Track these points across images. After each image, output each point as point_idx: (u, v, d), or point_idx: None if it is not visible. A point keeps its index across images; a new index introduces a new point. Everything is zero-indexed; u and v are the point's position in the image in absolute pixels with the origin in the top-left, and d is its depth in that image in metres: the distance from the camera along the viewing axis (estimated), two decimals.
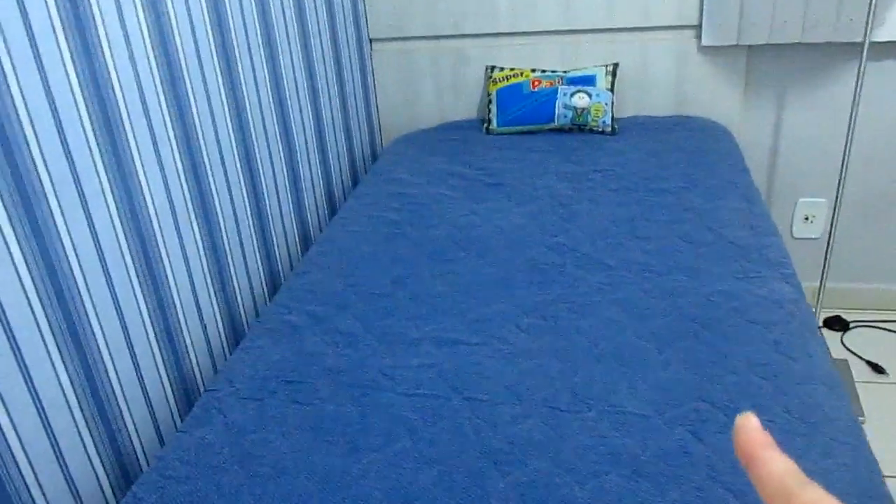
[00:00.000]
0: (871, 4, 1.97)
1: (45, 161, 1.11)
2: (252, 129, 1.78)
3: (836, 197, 2.21)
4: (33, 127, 1.09)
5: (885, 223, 2.55)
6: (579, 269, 1.65)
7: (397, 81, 2.64)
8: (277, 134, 1.92)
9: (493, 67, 2.50)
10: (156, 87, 1.38)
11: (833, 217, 2.24)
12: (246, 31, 1.74)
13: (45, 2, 1.10)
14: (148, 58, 1.36)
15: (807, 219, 2.63)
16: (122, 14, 1.28)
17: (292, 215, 2.02)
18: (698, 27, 2.39)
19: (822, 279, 2.33)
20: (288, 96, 1.97)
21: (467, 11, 2.49)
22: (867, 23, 2.00)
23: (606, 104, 2.38)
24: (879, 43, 2.28)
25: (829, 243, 2.28)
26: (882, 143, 2.44)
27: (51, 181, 1.12)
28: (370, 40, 2.59)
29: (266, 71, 1.84)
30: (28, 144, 1.08)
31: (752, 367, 1.31)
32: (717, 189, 2.02)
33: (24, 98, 1.06)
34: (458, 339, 1.43)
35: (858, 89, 2.08)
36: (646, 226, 1.83)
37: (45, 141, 1.11)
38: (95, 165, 1.22)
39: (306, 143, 2.10)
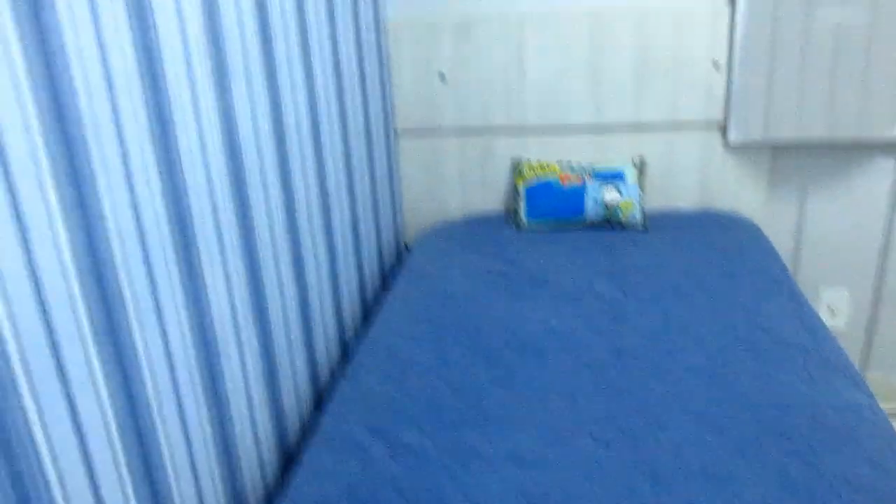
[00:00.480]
0: None
1: (128, 277, 1.05)
2: (298, 225, 1.73)
3: (873, 288, 2.21)
4: (122, 248, 1.03)
5: None
6: (643, 376, 1.60)
7: (422, 172, 2.63)
8: (322, 228, 1.87)
9: (520, 160, 2.51)
10: (224, 195, 1.34)
11: (869, 307, 2.24)
12: (299, 136, 1.71)
13: (139, 134, 1.06)
14: (221, 179, 1.32)
15: (830, 309, 2.63)
16: (203, 136, 1.25)
17: (331, 312, 1.96)
18: (724, 124, 2.43)
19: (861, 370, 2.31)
20: (329, 192, 1.93)
21: (495, 104, 2.51)
22: None
23: (636, 200, 2.39)
24: None
25: (867, 333, 2.27)
26: None
27: (131, 293, 1.06)
28: (396, 132, 2.59)
29: (314, 163, 1.81)
30: (114, 263, 1.02)
31: (854, 488, 1.25)
32: (760, 286, 2.00)
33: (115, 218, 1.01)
34: (536, 456, 1.36)
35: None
36: (698, 327, 1.80)
37: (131, 258, 1.05)
38: (170, 276, 1.16)
39: (342, 237, 2.05)
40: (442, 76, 2.49)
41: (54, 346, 0.91)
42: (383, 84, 2.44)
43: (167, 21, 1.17)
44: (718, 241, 2.30)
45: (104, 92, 1.01)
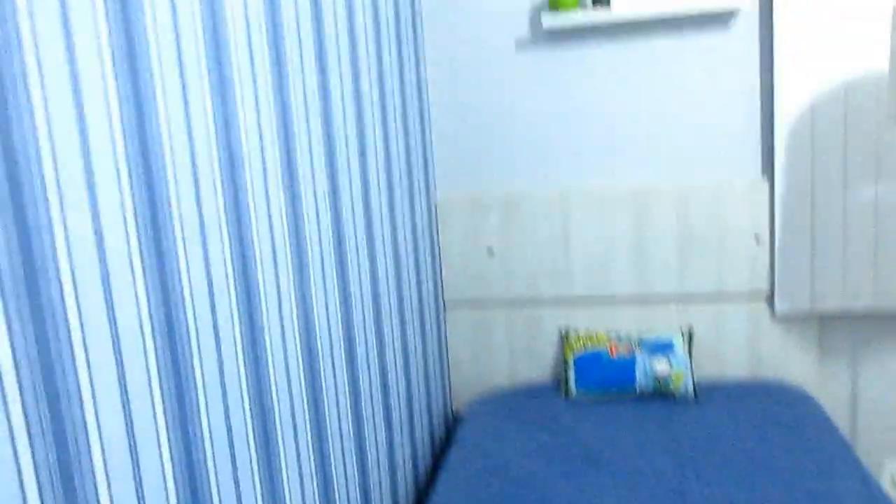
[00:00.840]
0: None
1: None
2: (361, 407, 1.75)
3: None
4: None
5: None
6: None
7: (470, 343, 2.67)
8: (380, 402, 1.89)
9: (568, 331, 2.54)
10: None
11: None
12: (363, 309, 1.78)
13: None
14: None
15: (894, 480, 2.54)
16: (282, 321, 1.31)
17: (388, 484, 1.94)
18: (770, 295, 2.47)
19: None
20: (387, 369, 1.97)
21: (541, 277, 2.58)
22: None
23: (686, 370, 2.39)
24: None
25: None
26: None
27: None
28: (444, 302, 2.66)
29: (375, 339, 1.86)
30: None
31: None
32: (822, 463, 1.96)
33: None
34: None
35: None
36: None
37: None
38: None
39: (399, 406, 2.07)
40: (490, 250, 2.59)
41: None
42: (434, 258, 2.54)
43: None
44: (772, 412, 2.27)
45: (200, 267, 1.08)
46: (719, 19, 2.38)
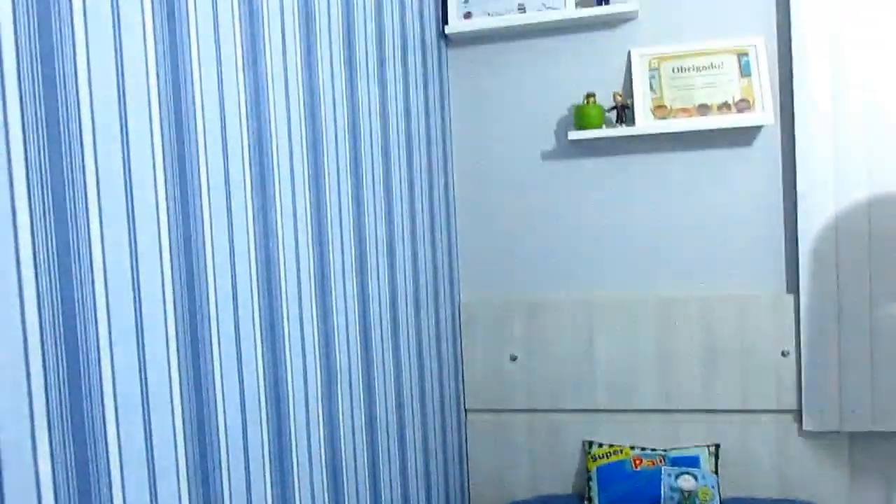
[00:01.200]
0: None
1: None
2: None
3: None
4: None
5: None
6: None
7: (491, 451, 2.62)
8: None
9: (591, 443, 2.50)
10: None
11: None
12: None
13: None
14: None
15: None
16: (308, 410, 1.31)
17: None
18: (798, 411, 2.42)
19: None
20: (409, 479, 1.94)
21: (564, 386, 2.55)
22: None
23: (713, 486, 2.32)
24: None
25: None
26: None
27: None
28: (466, 410, 2.63)
29: (398, 453, 1.84)
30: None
31: None
32: None
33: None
34: None
35: None
36: None
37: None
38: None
39: None
40: (513, 357, 2.58)
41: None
42: (457, 364, 2.53)
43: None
44: None
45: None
46: (743, 135, 2.44)
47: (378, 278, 1.77)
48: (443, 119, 2.50)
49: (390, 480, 1.81)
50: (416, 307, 2.07)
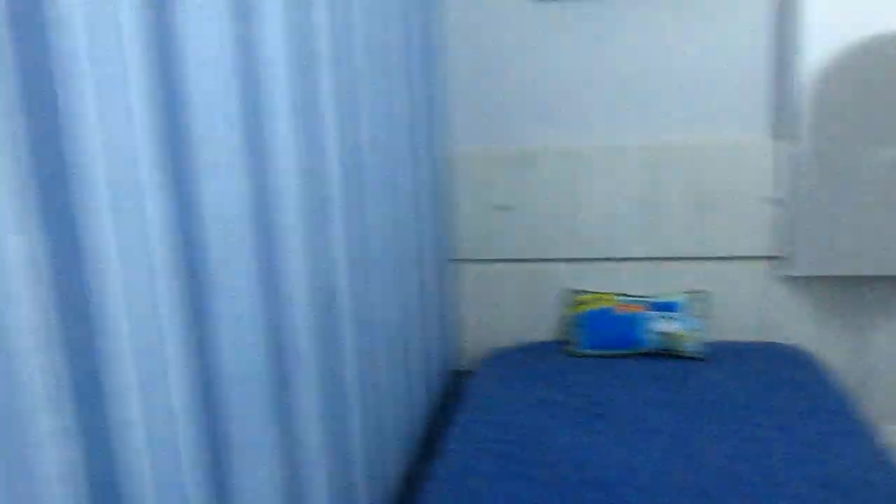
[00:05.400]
0: None
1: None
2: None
3: None
4: None
5: None
6: None
7: (479, 300, 2.67)
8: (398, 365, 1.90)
9: (575, 291, 2.54)
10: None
11: None
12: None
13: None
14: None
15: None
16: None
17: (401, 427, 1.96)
18: (783, 257, 2.46)
19: None
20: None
21: (552, 235, 2.57)
22: None
23: (694, 330, 2.40)
24: None
25: None
26: None
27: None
28: (454, 260, 2.65)
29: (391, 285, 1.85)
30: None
31: None
32: (829, 423, 1.97)
33: None
34: None
35: None
36: (773, 470, 1.76)
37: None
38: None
39: (411, 360, 2.07)
40: (501, 207, 2.57)
41: None
42: (443, 216, 2.52)
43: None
44: (779, 373, 2.28)
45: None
46: None
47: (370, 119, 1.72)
48: None
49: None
50: (413, 160, 2.04)
